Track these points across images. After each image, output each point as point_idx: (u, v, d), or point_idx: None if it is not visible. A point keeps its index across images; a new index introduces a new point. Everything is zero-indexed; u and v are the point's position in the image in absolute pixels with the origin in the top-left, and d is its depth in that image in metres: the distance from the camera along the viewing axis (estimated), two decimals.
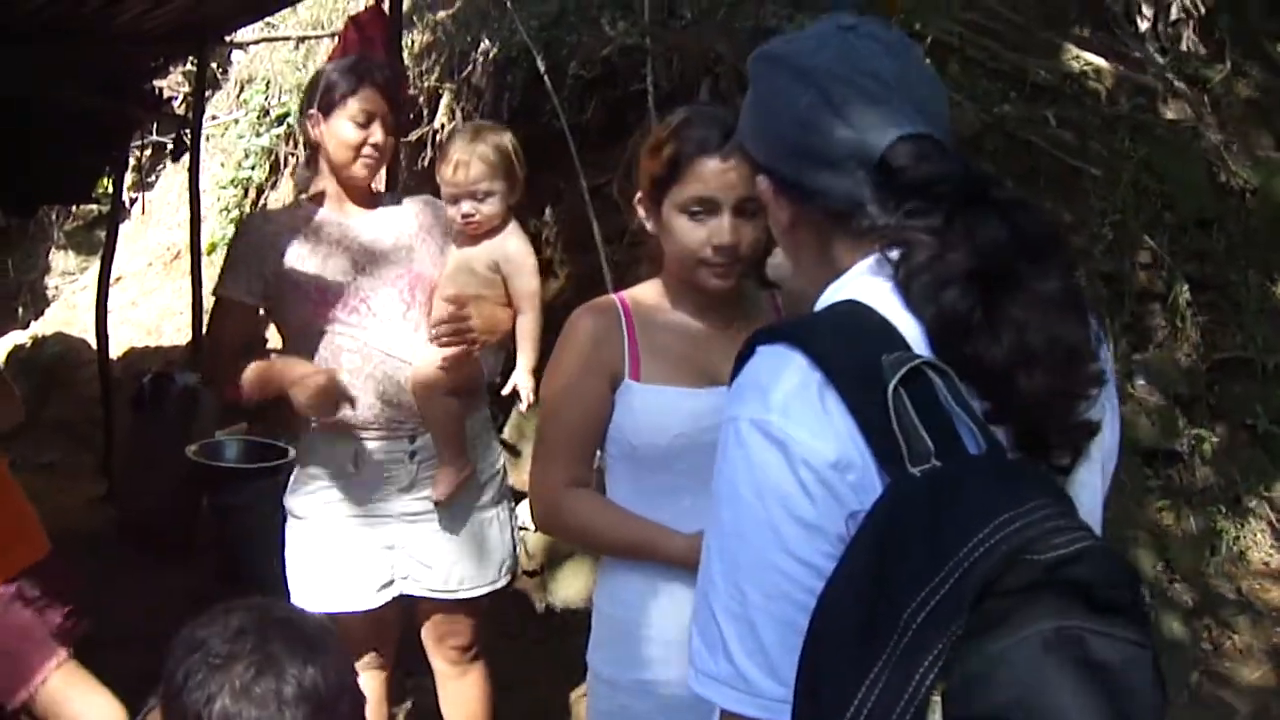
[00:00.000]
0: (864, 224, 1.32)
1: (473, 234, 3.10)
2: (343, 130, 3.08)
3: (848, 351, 1.23)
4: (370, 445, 3.10)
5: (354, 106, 3.07)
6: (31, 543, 2.93)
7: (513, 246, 3.16)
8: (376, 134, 3.10)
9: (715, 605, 1.26)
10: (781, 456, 1.21)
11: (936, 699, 1.06)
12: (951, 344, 1.21)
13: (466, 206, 3.05)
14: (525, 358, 3.13)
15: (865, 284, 1.31)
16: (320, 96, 3.12)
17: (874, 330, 1.24)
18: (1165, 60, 6.17)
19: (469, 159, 3.02)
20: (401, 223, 3.21)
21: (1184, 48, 6.40)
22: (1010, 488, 1.14)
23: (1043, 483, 1.19)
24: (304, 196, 3.22)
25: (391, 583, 3.18)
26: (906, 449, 1.16)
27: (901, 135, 1.31)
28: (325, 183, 3.22)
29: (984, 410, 1.21)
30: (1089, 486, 1.35)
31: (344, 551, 3.12)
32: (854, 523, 1.18)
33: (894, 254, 1.28)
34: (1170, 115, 5.83)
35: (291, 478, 3.27)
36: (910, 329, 1.25)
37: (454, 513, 3.18)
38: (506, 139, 3.13)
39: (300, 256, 3.10)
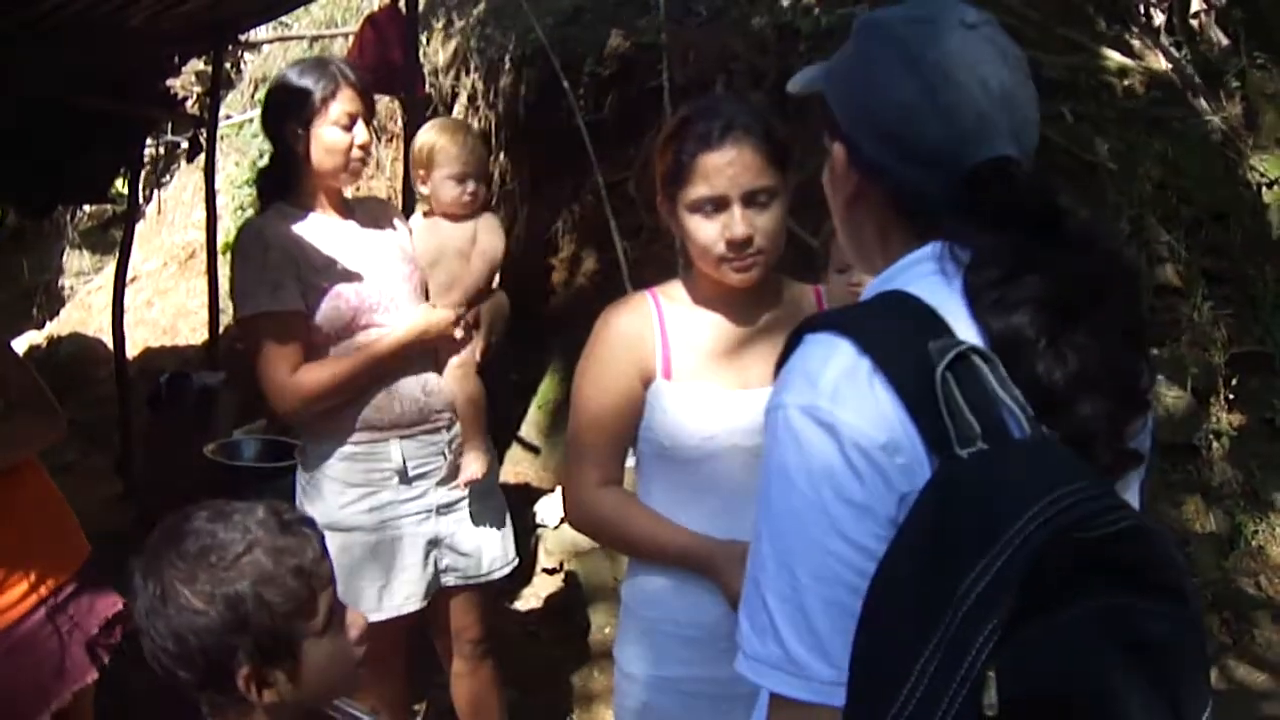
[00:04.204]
0: (928, 223, 1.34)
1: (467, 211, 3.28)
2: (328, 137, 3.04)
3: (894, 338, 1.24)
4: (413, 443, 3.11)
5: (336, 111, 3.03)
6: (70, 551, 2.91)
7: (487, 219, 3.37)
8: (361, 135, 3.08)
9: (765, 589, 1.27)
10: (831, 440, 1.22)
11: (991, 676, 1.08)
12: (1012, 360, 1.22)
13: (472, 185, 3.25)
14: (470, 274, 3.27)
15: (916, 276, 1.32)
16: (296, 106, 3.05)
17: (920, 318, 1.25)
18: (1181, 54, 6.16)
19: (472, 143, 3.26)
20: (380, 221, 3.23)
21: (1199, 42, 6.39)
22: (1056, 469, 1.15)
23: (1086, 465, 1.19)
24: (281, 203, 3.14)
25: (436, 577, 3.20)
26: (954, 432, 1.17)
27: (996, 155, 1.30)
28: (306, 190, 3.13)
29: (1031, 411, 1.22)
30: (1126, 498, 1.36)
31: (394, 556, 3.11)
32: (904, 505, 1.20)
33: (961, 256, 1.29)
34: (1187, 110, 5.81)
35: (316, 487, 3.13)
36: (960, 321, 1.26)
37: (479, 497, 3.23)
38: None
39: (326, 262, 3.04)
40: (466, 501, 3.21)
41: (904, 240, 1.37)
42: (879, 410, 1.21)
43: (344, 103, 3.04)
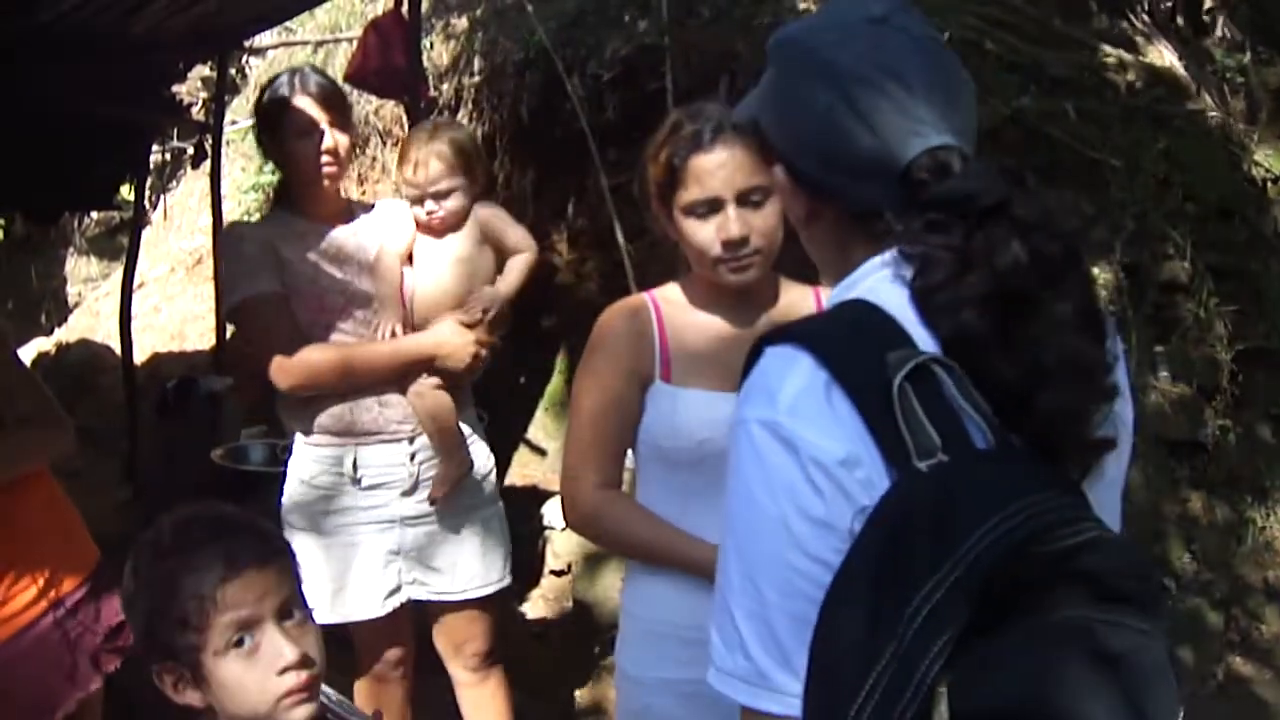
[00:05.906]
0: (882, 228, 1.32)
1: (439, 230, 3.12)
2: (290, 149, 3.08)
3: (853, 350, 1.24)
4: (370, 451, 3.10)
5: (293, 122, 3.06)
6: (79, 557, 2.91)
7: (486, 212, 3.17)
8: (325, 139, 3.07)
9: (732, 603, 1.27)
10: (791, 456, 1.22)
11: (943, 691, 1.07)
12: (968, 362, 1.21)
13: (430, 205, 3.06)
14: (505, 280, 3.16)
15: (876, 284, 1.31)
16: (266, 119, 3.12)
17: (880, 329, 1.25)
18: (1184, 50, 6.15)
19: (427, 158, 3.03)
20: (378, 229, 3.20)
21: (1202, 37, 6.38)
22: (1017, 481, 1.14)
23: (1050, 475, 1.19)
24: (280, 210, 3.22)
25: (399, 589, 3.17)
26: (913, 444, 1.16)
27: (927, 148, 1.29)
28: (299, 197, 3.18)
29: (996, 418, 1.20)
30: (1104, 497, 1.34)
31: (349, 561, 3.11)
32: (862, 518, 1.19)
33: (911, 262, 1.28)
34: (1190, 105, 5.80)
35: (286, 489, 3.19)
36: (920, 330, 1.25)
37: (455, 512, 3.18)
38: (463, 134, 3.16)
39: (297, 265, 3.07)
40: (440, 516, 3.16)
41: (864, 250, 1.36)
42: (837, 424, 1.21)
43: (296, 113, 3.06)
